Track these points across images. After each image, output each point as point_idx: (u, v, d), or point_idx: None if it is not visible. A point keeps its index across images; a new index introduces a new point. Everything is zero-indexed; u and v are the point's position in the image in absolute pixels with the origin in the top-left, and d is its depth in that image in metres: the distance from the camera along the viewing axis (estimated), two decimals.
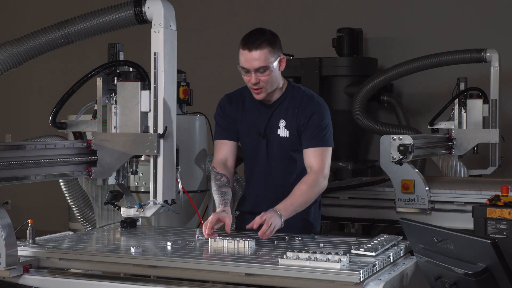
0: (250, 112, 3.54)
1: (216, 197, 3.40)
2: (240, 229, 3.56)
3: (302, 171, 3.50)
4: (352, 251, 2.70)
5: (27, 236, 2.96)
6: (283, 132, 3.47)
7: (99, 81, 3.34)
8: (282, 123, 3.47)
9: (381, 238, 2.92)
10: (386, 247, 2.81)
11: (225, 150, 3.55)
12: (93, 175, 3.25)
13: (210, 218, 3.15)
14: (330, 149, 3.43)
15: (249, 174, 3.61)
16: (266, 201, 3.43)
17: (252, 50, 3.32)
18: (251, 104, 3.53)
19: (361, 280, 2.41)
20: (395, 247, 2.88)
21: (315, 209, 3.59)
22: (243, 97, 3.58)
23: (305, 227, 3.49)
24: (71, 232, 3.38)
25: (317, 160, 3.38)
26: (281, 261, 2.54)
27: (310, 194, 3.33)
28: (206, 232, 3.08)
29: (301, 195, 3.30)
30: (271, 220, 3.07)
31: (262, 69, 3.33)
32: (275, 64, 3.36)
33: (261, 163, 3.54)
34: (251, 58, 3.32)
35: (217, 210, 3.28)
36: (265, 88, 3.38)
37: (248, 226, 3.14)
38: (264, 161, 3.53)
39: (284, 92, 3.50)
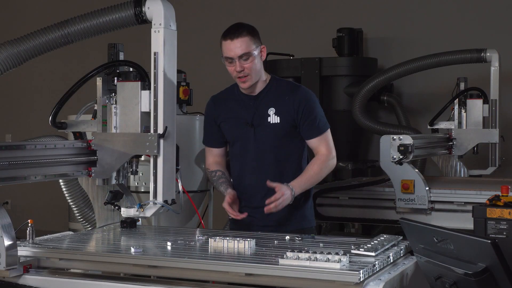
0: (236, 107, 3.63)
1: (220, 189, 3.62)
2: (236, 229, 3.56)
3: (295, 161, 3.59)
4: (352, 251, 2.70)
5: (27, 236, 2.95)
6: (273, 119, 3.56)
7: (99, 81, 3.34)
8: (271, 111, 3.57)
9: (381, 238, 2.92)
10: (386, 247, 2.81)
11: (214, 155, 3.74)
12: (93, 175, 3.25)
13: (226, 207, 3.46)
14: (329, 131, 3.62)
15: (239, 171, 3.65)
16: (259, 194, 3.50)
17: (233, 39, 3.47)
18: (237, 100, 3.64)
19: (361, 280, 2.41)
20: (395, 247, 2.88)
21: (310, 204, 3.70)
22: (227, 96, 3.69)
23: (302, 221, 3.62)
24: (71, 232, 3.38)
25: (323, 146, 3.58)
26: (281, 261, 2.54)
27: (321, 174, 3.55)
28: (235, 215, 3.43)
29: (314, 175, 3.52)
30: (285, 198, 3.35)
31: (245, 56, 3.46)
32: (257, 52, 3.50)
33: (251, 156, 3.59)
34: (233, 46, 3.46)
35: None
36: (250, 75, 3.50)
37: (267, 201, 3.34)
38: (254, 152, 3.57)
39: (268, 83, 3.61)
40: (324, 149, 3.56)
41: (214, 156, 3.72)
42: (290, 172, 3.57)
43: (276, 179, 3.46)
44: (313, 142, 3.59)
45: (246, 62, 3.47)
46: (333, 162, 3.59)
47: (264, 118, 3.56)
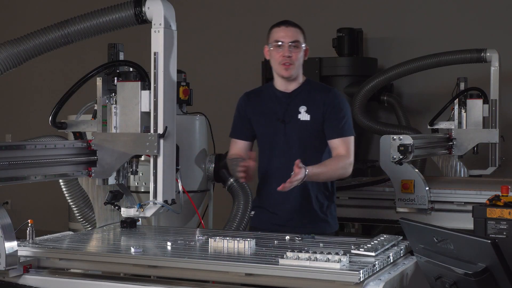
0: (269, 103, 3.67)
1: (232, 164, 3.57)
2: (255, 229, 3.57)
3: (319, 161, 3.58)
4: (352, 251, 2.70)
5: (27, 236, 2.95)
6: (304, 116, 3.61)
7: (99, 81, 3.34)
8: (303, 109, 3.62)
9: (381, 238, 2.92)
10: (386, 247, 2.81)
11: (238, 147, 3.73)
12: (93, 175, 3.25)
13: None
14: (353, 138, 3.63)
15: (266, 165, 3.65)
16: (287, 197, 3.50)
17: (288, 26, 3.58)
18: (269, 97, 3.69)
19: (361, 280, 2.41)
20: (395, 247, 2.88)
21: (333, 207, 3.71)
22: (261, 93, 3.76)
23: (323, 224, 3.64)
24: (71, 232, 3.38)
25: (343, 148, 3.58)
26: (281, 261, 2.54)
27: (337, 171, 3.55)
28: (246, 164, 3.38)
29: (330, 169, 3.51)
30: (298, 180, 3.31)
31: (295, 43, 3.56)
32: (304, 46, 3.61)
33: (280, 151, 3.59)
34: (286, 32, 3.56)
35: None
36: (294, 65, 3.59)
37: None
38: (282, 148, 3.58)
39: (302, 83, 3.68)
40: (344, 151, 3.57)
41: (237, 149, 3.72)
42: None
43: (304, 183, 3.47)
44: (334, 142, 3.59)
45: (294, 49, 3.56)
46: (350, 167, 3.58)
47: (295, 115, 3.61)
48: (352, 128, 3.64)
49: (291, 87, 3.65)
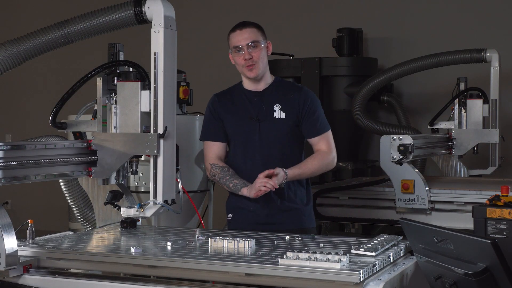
0: (241, 102, 3.67)
1: (232, 183, 3.56)
2: (234, 228, 3.57)
3: (297, 159, 3.63)
4: (352, 251, 2.70)
5: (27, 236, 2.95)
6: (279, 114, 3.63)
7: (99, 81, 3.34)
8: (277, 107, 3.64)
9: (381, 238, 2.92)
10: (386, 247, 2.81)
11: (214, 150, 3.69)
12: (93, 175, 3.25)
13: (256, 186, 3.42)
14: (330, 132, 3.71)
15: (241, 165, 3.63)
16: (260, 198, 3.50)
17: (242, 29, 3.60)
18: (241, 98, 3.69)
19: (361, 280, 2.41)
20: (395, 247, 2.88)
21: (310, 204, 3.73)
22: (231, 93, 3.74)
23: (302, 221, 3.66)
24: (71, 232, 3.38)
25: (323, 144, 3.66)
26: (281, 261, 2.54)
27: (318, 168, 3.62)
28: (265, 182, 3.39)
29: (311, 166, 3.59)
30: (278, 177, 3.41)
31: (254, 43, 3.58)
32: (264, 44, 3.62)
33: (256, 150, 3.60)
34: (242, 35, 3.58)
35: (247, 187, 3.50)
36: (258, 64, 3.60)
37: (260, 175, 3.41)
38: (259, 146, 3.59)
39: (272, 82, 3.70)
40: (324, 146, 3.65)
41: (214, 151, 3.68)
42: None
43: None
44: (314, 140, 3.67)
45: (254, 50, 3.58)
46: (333, 161, 3.67)
47: (270, 113, 3.62)
48: (327, 122, 3.71)
49: (260, 86, 3.68)
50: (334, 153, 3.67)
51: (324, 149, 3.65)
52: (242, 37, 3.57)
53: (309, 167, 3.58)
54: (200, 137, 3.79)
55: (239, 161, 3.65)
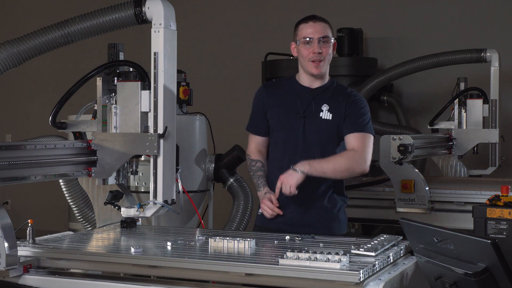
0: (290, 96, 3.56)
1: (254, 180, 3.55)
2: (261, 229, 3.49)
3: None
4: (352, 251, 2.70)
5: (27, 236, 2.95)
6: (325, 114, 3.50)
7: (99, 81, 3.34)
8: (325, 107, 3.51)
9: (381, 238, 2.92)
10: (386, 247, 2.81)
11: (256, 142, 3.63)
12: (93, 175, 3.25)
13: (266, 203, 3.41)
14: (371, 137, 3.49)
15: (280, 160, 3.51)
16: (291, 197, 3.38)
17: (317, 21, 3.50)
18: (290, 90, 3.57)
19: (361, 280, 2.41)
20: (395, 247, 2.88)
21: (342, 210, 3.58)
22: (281, 85, 3.65)
23: (332, 226, 3.53)
24: (71, 232, 3.38)
25: (358, 143, 3.43)
26: (281, 261, 2.54)
27: (345, 166, 3.39)
28: (277, 211, 3.38)
29: (336, 162, 3.39)
30: (285, 180, 3.31)
31: (325, 39, 3.47)
32: (333, 40, 3.52)
33: (298, 146, 3.49)
34: (316, 27, 3.47)
35: (261, 192, 3.49)
36: (324, 61, 3.49)
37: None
38: (300, 143, 3.48)
39: (326, 82, 3.58)
40: (357, 145, 3.42)
41: (256, 144, 3.60)
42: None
43: (318, 184, 3.46)
44: (350, 138, 3.45)
45: (324, 45, 3.46)
46: (363, 163, 3.41)
47: (317, 112, 3.50)
48: (372, 127, 3.51)
49: (316, 83, 3.54)
50: (366, 155, 3.41)
51: (356, 148, 3.42)
52: (315, 30, 3.46)
53: (334, 163, 3.38)
54: (246, 126, 3.69)
55: (279, 155, 3.55)
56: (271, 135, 3.59)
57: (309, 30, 3.47)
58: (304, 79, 3.56)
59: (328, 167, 3.37)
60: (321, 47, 3.45)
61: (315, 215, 3.49)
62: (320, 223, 3.48)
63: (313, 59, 3.46)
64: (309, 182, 3.40)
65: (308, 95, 3.53)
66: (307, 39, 3.46)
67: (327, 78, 3.58)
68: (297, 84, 3.57)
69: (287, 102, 3.54)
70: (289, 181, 3.31)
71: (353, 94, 3.54)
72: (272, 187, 3.50)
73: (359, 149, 3.42)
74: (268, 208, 3.42)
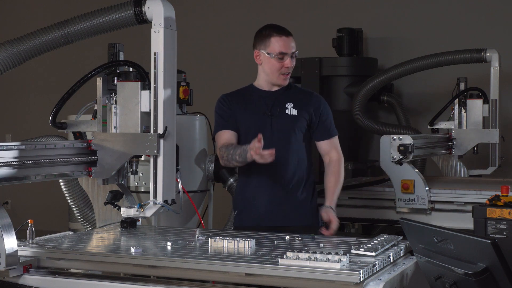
0: (253, 100, 3.67)
1: (237, 157, 3.46)
2: (239, 228, 3.57)
3: (307, 158, 3.67)
4: (352, 251, 2.70)
5: (27, 236, 2.95)
6: (291, 111, 3.64)
7: (99, 81, 3.34)
8: (289, 105, 3.65)
9: (381, 238, 2.92)
10: (386, 247, 2.81)
11: (226, 136, 3.62)
12: (93, 175, 3.25)
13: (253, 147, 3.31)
14: (337, 137, 3.78)
15: (247, 166, 3.57)
16: (263, 192, 3.55)
17: (288, 35, 3.61)
18: (253, 96, 3.69)
19: (361, 280, 2.41)
20: (395, 247, 2.88)
21: (314, 202, 3.74)
22: (242, 93, 3.74)
23: (306, 219, 3.67)
24: (71, 232, 3.38)
25: (334, 150, 3.72)
26: (281, 261, 2.54)
27: (341, 182, 3.70)
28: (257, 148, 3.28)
29: (338, 186, 3.67)
30: (334, 219, 3.53)
31: (294, 54, 3.62)
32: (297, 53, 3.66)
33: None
34: (289, 42, 3.60)
35: (246, 148, 3.40)
36: (290, 73, 3.64)
37: (325, 232, 3.49)
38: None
39: (285, 85, 3.70)
40: (335, 153, 3.71)
41: (224, 139, 3.62)
42: (304, 165, 3.66)
43: (291, 169, 3.58)
44: (324, 144, 3.71)
45: (293, 60, 3.62)
46: (343, 168, 3.74)
47: (282, 109, 3.64)
48: (335, 127, 3.77)
49: (274, 87, 3.69)
50: (343, 159, 3.75)
51: (335, 158, 3.70)
52: (289, 45, 3.58)
53: (341, 181, 3.68)
54: (212, 134, 3.74)
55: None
56: (240, 137, 3.65)
57: (284, 45, 3.59)
58: (264, 85, 3.69)
59: (340, 188, 3.68)
60: (291, 61, 3.60)
61: (288, 208, 3.60)
62: (294, 215, 3.61)
63: (284, 72, 3.60)
64: (282, 175, 3.56)
65: (271, 96, 3.67)
66: (283, 53, 3.57)
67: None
68: (257, 90, 3.70)
69: (252, 105, 3.66)
70: (333, 217, 3.53)
71: (313, 96, 3.74)
72: (248, 186, 3.63)
73: (337, 155, 3.71)
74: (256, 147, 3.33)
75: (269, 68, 3.61)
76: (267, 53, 3.58)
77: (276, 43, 3.57)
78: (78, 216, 4.63)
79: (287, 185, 3.61)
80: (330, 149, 3.71)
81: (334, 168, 3.68)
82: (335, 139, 3.75)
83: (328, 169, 3.70)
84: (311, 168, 3.74)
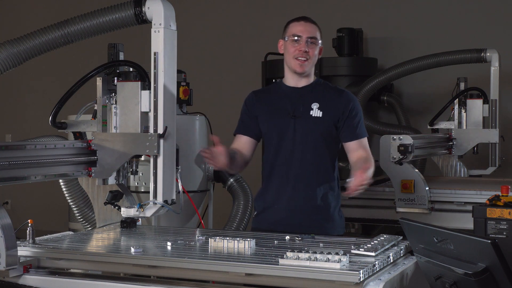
0: (278, 99, 3.57)
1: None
2: (258, 230, 3.50)
3: (331, 163, 3.52)
4: (352, 251, 2.70)
5: (27, 236, 2.95)
6: (316, 112, 3.51)
7: (99, 81, 3.34)
8: (315, 105, 3.51)
9: (381, 238, 2.92)
10: (386, 247, 2.81)
11: (240, 142, 3.60)
12: (93, 175, 3.25)
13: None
14: (366, 139, 3.58)
15: (272, 161, 3.53)
16: (284, 196, 3.45)
17: (307, 21, 3.54)
18: (278, 93, 3.59)
19: (361, 280, 2.41)
20: (395, 247, 2.88)
21: (338, 209, 3.60)
22: (269, 90, 3.70)
23: (328, 226, 3.52)
24: (71, 232, 3.38)
25: (362, 150, 3.50)
26: (281, 261, 2.54)
27: (372, 164, 3.40)
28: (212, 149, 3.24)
29: (369, 165, 3.33)
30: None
31: (313, 40, 3.50)
32: (320, 43, 3.54)
33: (289, 146, 3.49)
34: (305, 27, 3.52)
35: None
36: (309, 61, 3.51)
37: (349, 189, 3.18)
38: (292, 143, 3.48)
39: (313, 81, 3.59)
40: (364, 153, 3.49)
41: (238, 144, 3.58)
42: (327, 170, 3.51)
43: (314, 173, 3.46)
44: (352, 145, 3.51)
45: (311, 46, 3.49)
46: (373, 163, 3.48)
47: (307, 110, 3.50)
48: (365, 129, 3.60)
49: (301, 83, 3.56)
50: (373, 160, 3.48)
51: (364, 155, 3.46)
52: (305, 29, 3.49)
53: (372, 165, 3.39)
54: (234, 131, 3.68)
55: (271, 157, 3.54)
56: (264, 137, 3.61)
57: (298, 28, 3.51)
58: (290, 80, 3.59)
59: (371, 169, 3.34)
60: (308, 46, 3.48)
61: (308, 215, 3.47)
62: (314, 223, 3.46)
63: (298, 56, 3.49)
64: (301, 181, 3.45)
65: (295, 94, 3.55)
66: (296, 37, 3.49)
67: (312, 79, 3.60)
68: (284, 86, 3.60)
69: (276, 104, 3.56)
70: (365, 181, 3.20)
71: (344, 94, 3.55)
72: (269, 189, 3.53)
73: (367, 155, 3.47)
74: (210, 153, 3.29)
75: (286, 54, 3.54)
76: (284, 38, 3.54)
77: (292, 28, 3.53)
78: (78, 216, 4.63)
79: (308, 192, 3.47)
80: (359, 148, 3.50)
81: (369, 158, 3.43)
82: (364, 141, 3.53)
83: (355, 165, 3.44)
84: (336, 175, 3.57)
